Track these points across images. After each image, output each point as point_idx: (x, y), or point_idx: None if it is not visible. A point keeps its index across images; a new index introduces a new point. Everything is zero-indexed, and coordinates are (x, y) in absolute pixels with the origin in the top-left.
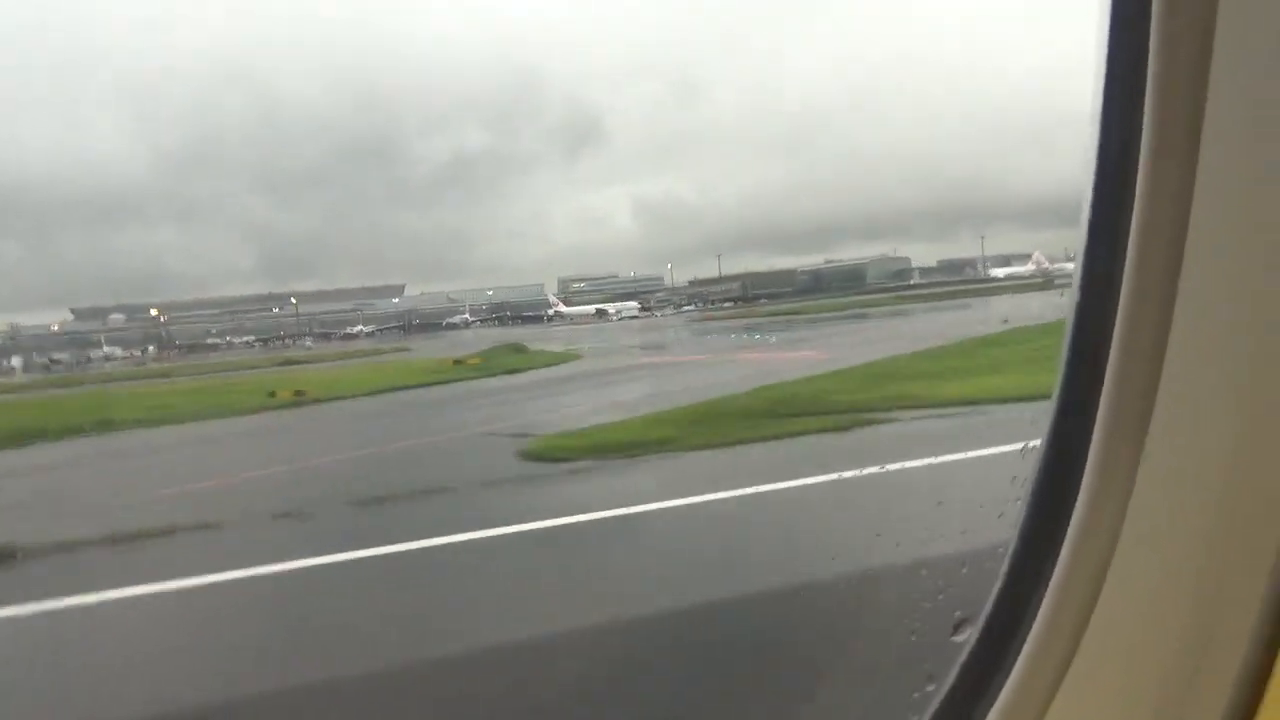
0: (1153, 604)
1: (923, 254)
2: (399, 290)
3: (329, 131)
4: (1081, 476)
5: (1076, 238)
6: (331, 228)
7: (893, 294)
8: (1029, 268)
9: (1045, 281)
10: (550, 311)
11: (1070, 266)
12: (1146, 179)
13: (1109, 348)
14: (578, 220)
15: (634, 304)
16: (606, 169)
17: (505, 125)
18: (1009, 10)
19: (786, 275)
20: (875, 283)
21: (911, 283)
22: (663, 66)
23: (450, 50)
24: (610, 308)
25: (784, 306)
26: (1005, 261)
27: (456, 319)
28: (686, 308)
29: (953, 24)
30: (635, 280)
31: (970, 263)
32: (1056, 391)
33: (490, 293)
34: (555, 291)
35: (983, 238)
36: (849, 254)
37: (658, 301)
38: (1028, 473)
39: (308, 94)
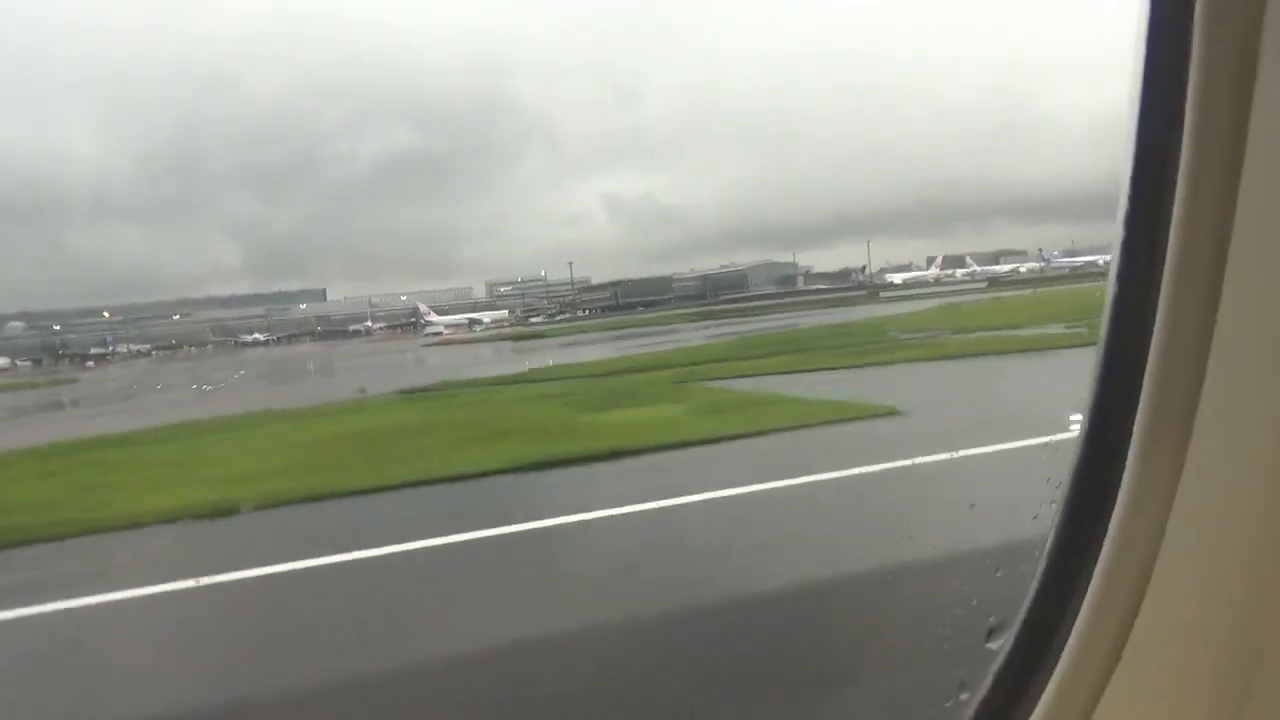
0: (1200, 610)
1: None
2: (320, 294)
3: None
4: (1121, 476)
5: (1113, 231)
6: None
7: (753, 303)
8: (931, 272)
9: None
10: (423, 321)
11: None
12: (1189, 172)
13: (1148, 344)
14: (548, 220)
15: (503, 313)
16: (569, 167)
17: (454, 125)
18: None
19: (662, 282)
20: (757, 289)
21: (796, 289)
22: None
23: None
24: (485, 316)
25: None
26: (907, 267)
27: (248, 337)
28: (561, 316)
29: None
30: (555, 284)
31: (859, 269)
32: (1093, 388)
33: (404, 298)
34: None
35: (868, 243)
36: (831, 253)
37: (525, 311)
38: (1063, 473)
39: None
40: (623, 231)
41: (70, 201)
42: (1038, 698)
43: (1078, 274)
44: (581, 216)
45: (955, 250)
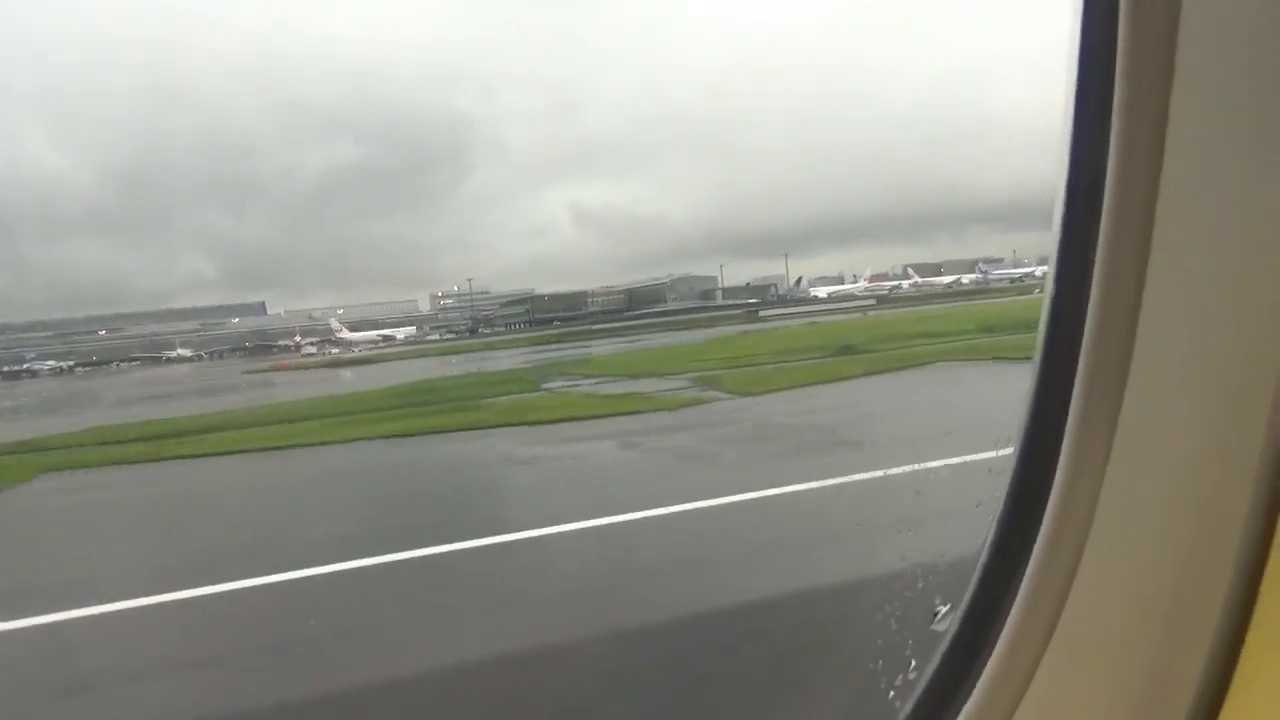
0: (1126, 589)
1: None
2: (260, 308)
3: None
4: (1055, 470)
5: (1050, 240)
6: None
7: (656, 319)
8: (860, 284)
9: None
10: (333, 338)
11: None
12: (1115, 181)
13: (1080, 345)
14: (516, 231)
15: (412, 329)
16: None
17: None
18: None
19: (578, 297)
20: (674, 303)
21: (714, 303)
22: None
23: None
24: (399, 333)
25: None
26: (839, 280)
27: (172, 354)
28: (482, 330)
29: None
30: (498, 297)
31: (776, 281)
32: (1031, 387)
33: (340, 311)
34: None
35: (786, 255)
36: (813, 262)
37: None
38: (1006, 466)
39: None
40: (599, 241)
41: (21, 213)
42: (980, 673)
43: (1002, 288)
44: (550, 226)
45: (933, 259)
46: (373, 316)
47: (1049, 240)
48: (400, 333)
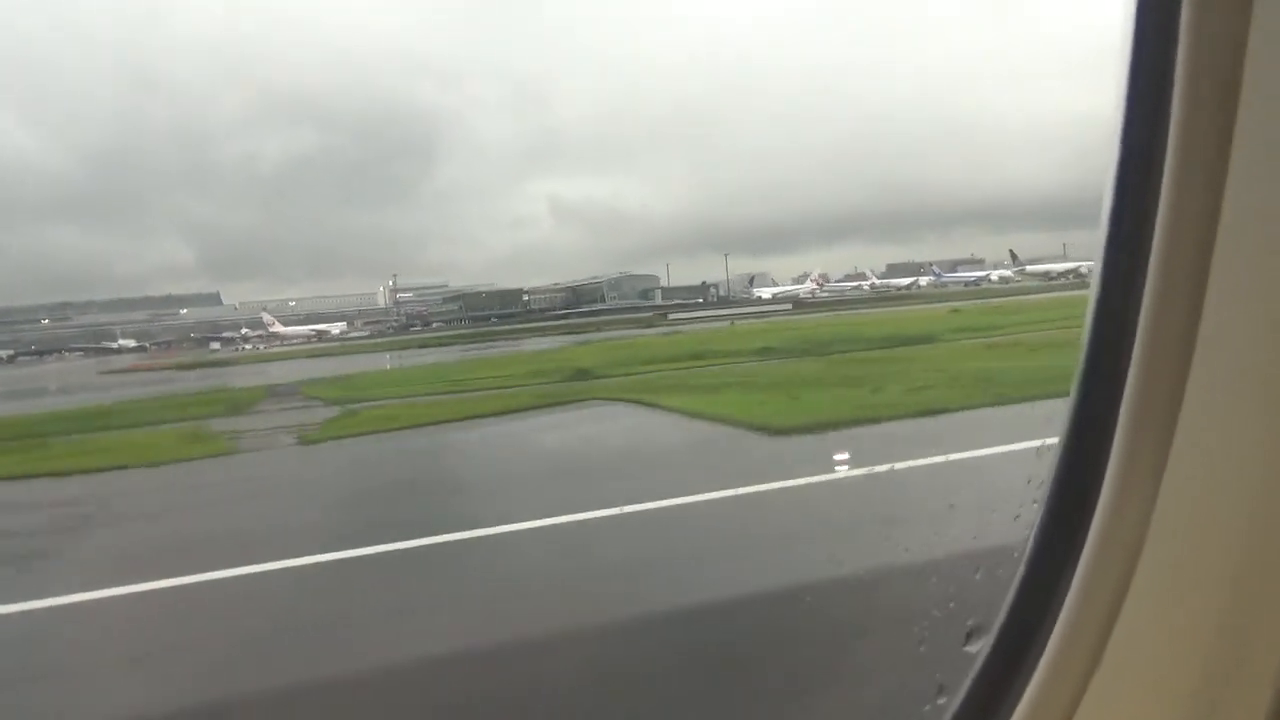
0: (1180, 614)
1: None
2: (215, 298)
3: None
4: (1103, 479)
5: (1096, 236)
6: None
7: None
8: (806, 286)
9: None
10: (267, 332)
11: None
12: (1173, 177)
13: (1131, 347)
14: (498, 224)
15: (344, 324)
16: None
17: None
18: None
19: (512, 295)
20: (612, 302)
21: (655, 303)
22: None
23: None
24: (334, 328)
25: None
26: (797, 279)
27: (114, 344)
28: (414, 327)
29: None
30: (458, 290)
31: (718, 282)
32: (1075, 391)
33: (293, 303)
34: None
35: (726, 255)
36: (797, 259)
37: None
38: (1044, 474)
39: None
40: (583, 234)
41: None
42: (1017, 701)
43: (949, 293)
44: (529, 219)
45: (918, 258)
46: (324, 309)
47: (1035, 241)
48: (335, 328)
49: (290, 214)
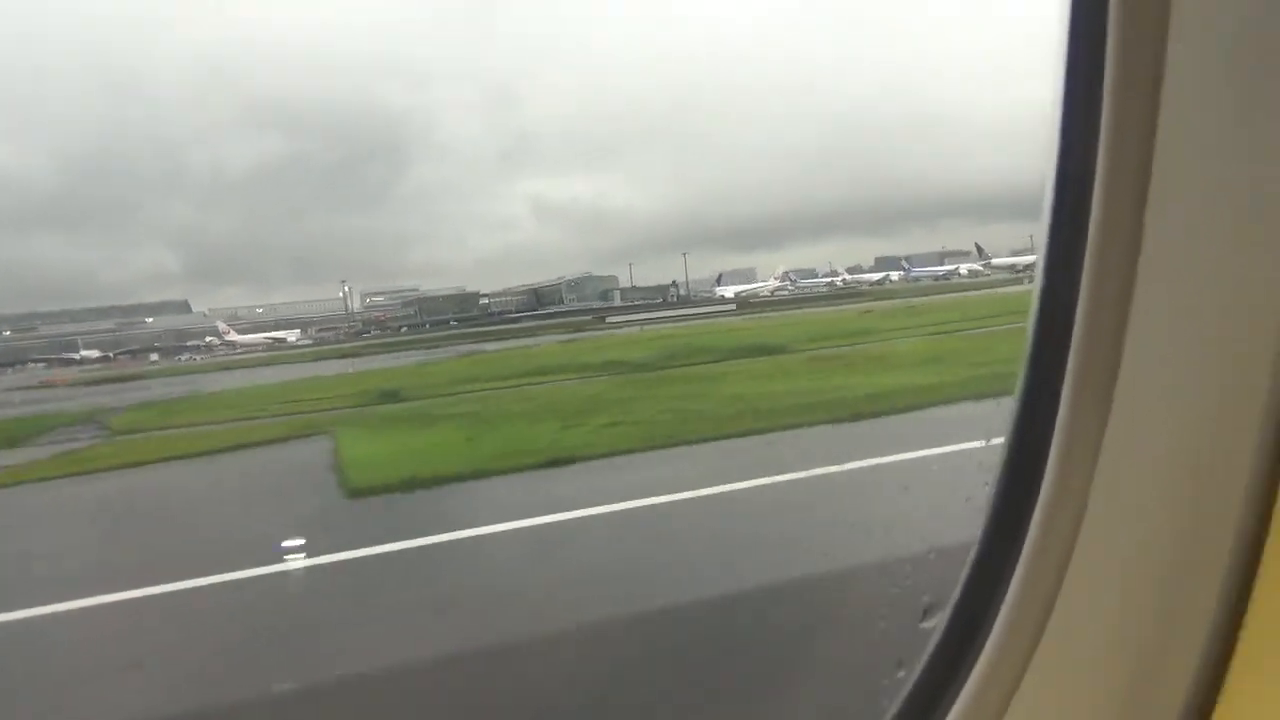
0: (1118, 586)
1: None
2: (184, 306)
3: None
4: (1045, 465)
5: (1039, 230)
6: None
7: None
8: (770, 284)
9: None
10: (220, 341)
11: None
12: (1104, 173)
13: (1070, 340)
14: (485, 224)
15: (298, 332)
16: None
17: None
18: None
19: (468, 298)
20: (571, 304)
21: (612, 304)
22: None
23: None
24: (290, 335)
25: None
26: (750, 277)
27: (75, 355)
28: (367, 334)
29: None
30: (429, 294)
31: (677, 281)
32: (1021, 383)
33: (260, 310)
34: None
35: (685, 255)
36: (785, 255)
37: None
38: (995, 461)
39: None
40: (567, 235)
41: None
42: (969, 672)
43: (920, 288)
44: (511, 220)
45: (902, 251)
46: (293, 315)
47: (1018, 232)
48: (292, 335)
49: (272, 218)
